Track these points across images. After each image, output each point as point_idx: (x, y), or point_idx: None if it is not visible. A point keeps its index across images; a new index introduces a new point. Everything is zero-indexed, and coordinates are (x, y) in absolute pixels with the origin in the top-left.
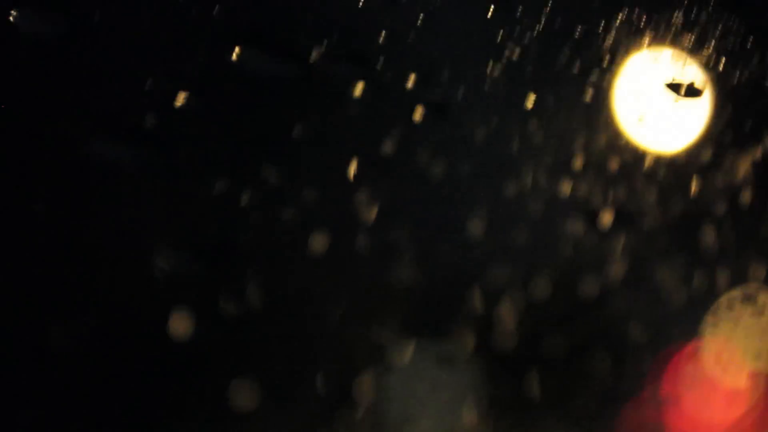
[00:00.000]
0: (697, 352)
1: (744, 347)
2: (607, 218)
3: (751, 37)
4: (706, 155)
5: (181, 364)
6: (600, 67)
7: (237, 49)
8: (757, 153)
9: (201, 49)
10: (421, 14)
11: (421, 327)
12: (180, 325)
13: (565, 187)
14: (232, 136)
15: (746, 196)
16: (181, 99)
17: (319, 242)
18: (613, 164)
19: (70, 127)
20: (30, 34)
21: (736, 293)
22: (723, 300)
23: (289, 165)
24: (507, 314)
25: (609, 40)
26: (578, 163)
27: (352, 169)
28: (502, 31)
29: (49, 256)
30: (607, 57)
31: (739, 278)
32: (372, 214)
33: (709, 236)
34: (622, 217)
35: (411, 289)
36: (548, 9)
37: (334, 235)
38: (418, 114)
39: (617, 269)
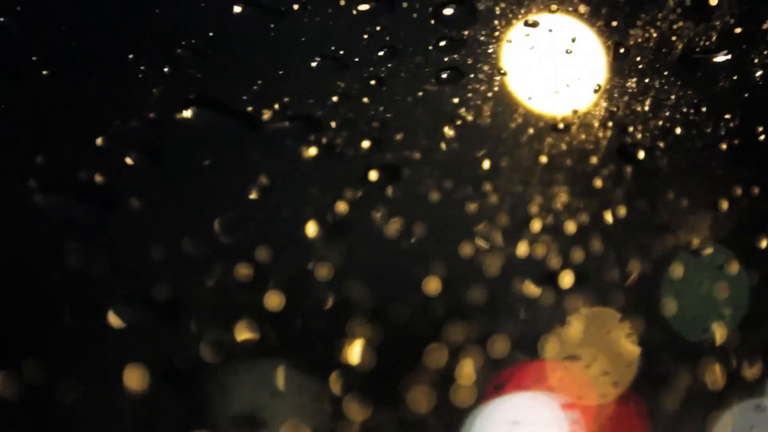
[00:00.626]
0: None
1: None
2: (564, 278)
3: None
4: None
5: (137, 416)
6: (555, 129)
7: (189, 108)
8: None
9: (152, 107)
10: (373, 77)
11: (379, 383)
12: (134, 377)
13: (522, 247)
14: (183, 193)
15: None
16: (131, 156)
17: (272, 300)
18: (570, 224)
19: (21, 182)
20: None
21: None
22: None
23: (241, 222)
24: (464, 371)
25: (562, 105)
26: (535, 223)
27: (308, 228)
28: (453, 92)
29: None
30: (561, 121)
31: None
32: (326, 271)
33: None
34: (579, 277)
35: (367, 345)
36: (501, 71)
37: (288, 293)
38: (372, 174)
39: (576, 327)
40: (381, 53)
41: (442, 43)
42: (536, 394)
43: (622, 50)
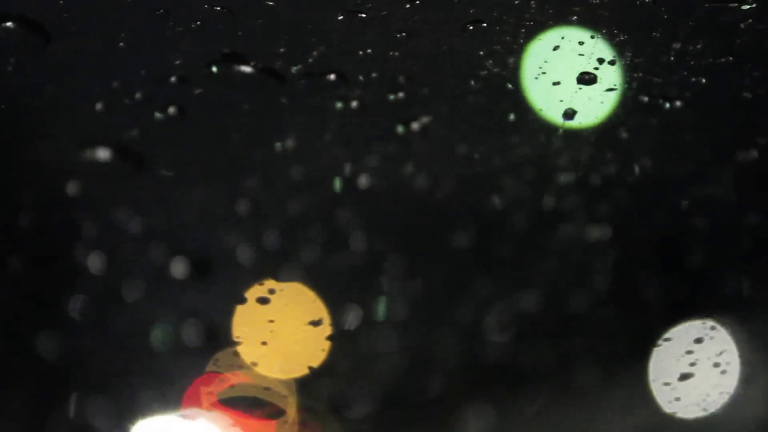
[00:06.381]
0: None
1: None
2: (592, 231)
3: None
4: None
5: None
6: (585, 78)
7: (217, 65)
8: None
9: (181, 64)
10: (399, 31)
11: (407, 338)
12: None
13: (549, 200)
14: (213, 150)
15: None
16: (161, 113)
17: (305, 255)
18: (595, 177)
19: (54, 141)
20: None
21: None
22: None
23: (270, 177)
24: (494, 326)
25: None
26: (561, 176)
27: (337, 182)
28: (480, 45)
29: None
30: (586, 74)
31: None
32: (354, 227)
33: None
34: (606, 230)
35: (396, 302)
36: (522, 24)
37: (314, 249)
38: (398, 129)
39: (602, 282)
40: (406, 7)
41: None
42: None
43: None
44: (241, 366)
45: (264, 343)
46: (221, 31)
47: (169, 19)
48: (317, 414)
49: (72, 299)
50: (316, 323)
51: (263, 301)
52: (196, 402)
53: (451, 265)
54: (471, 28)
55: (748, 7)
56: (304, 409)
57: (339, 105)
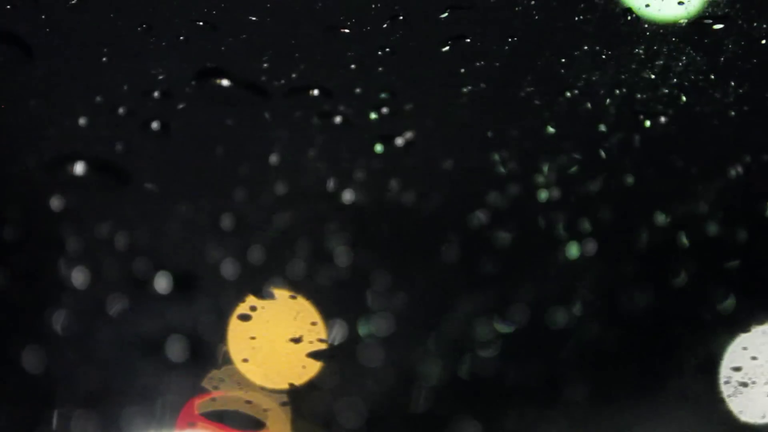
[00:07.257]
0: None
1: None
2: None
3: None
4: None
5: None
6: (562, 93)
7: (201, 79)
8: None
9: (164, 79)
10: (382, 47)
11: (397, 353)
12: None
13: (534, 214)
14: (196, 165)
15: None
16: (143, 128)
17: (288, 270)
18: (579, 193)
19: (36, 155)
20: None
21: None
22: None
23: (253, 192)
24: (482, 340)
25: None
26: (548, 190)
27: (322, 198)
28: (462, 60)
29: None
30: (568, 88)
31: None
32: (338, 242)
33: None
34: (590, 245)
35: (381, 317)
36: (508, 36)
37: (298, 264)
38: (380, 146)
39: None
40: (389, 22)
41: (451, 12)
42: None
43: (630, 17)
44: (222, 380)
45: (245, 360)
46: (204, 46)
47: (152, 34)
48: (299, 430)
49: (55, 314)
50: (297, 340)
51: (245, 317)
52: (181, 419)
53: (439, 280)
54: (453, 44)
55: (720, 26)
56: (286, 424)
57: (322, 120)
